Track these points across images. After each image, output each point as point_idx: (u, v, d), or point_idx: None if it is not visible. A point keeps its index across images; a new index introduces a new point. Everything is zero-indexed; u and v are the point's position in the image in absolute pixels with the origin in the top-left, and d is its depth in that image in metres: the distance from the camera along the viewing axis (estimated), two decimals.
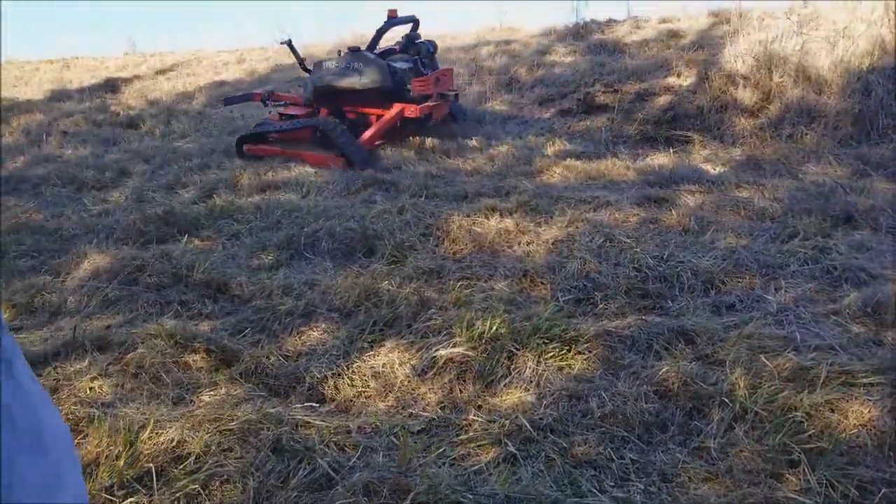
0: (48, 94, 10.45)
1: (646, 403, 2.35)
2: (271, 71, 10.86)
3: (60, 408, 2.30)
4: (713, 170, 5.20)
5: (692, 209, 4.13)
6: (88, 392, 2.53)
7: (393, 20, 6.23)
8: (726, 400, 2.29)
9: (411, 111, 5.83)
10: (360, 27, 10.49)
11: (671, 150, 5.71)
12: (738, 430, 2.18)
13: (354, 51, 5.99)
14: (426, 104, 5.93)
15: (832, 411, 2.21)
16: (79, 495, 0.75)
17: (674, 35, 8.48)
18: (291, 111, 6.39)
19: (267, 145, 6.12)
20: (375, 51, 6.24)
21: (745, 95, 6.11)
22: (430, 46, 6.33)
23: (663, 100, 6.63)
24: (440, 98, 6.08)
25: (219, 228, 4.33)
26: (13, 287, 3.47)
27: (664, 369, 2.49)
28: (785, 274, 3.27)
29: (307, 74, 6.35)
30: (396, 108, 5.88)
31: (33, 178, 5.76)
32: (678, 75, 6.97)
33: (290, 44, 6.42)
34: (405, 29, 6.50)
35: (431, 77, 6.00)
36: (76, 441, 2.16)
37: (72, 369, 2.66)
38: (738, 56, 6.41)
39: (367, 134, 5.88)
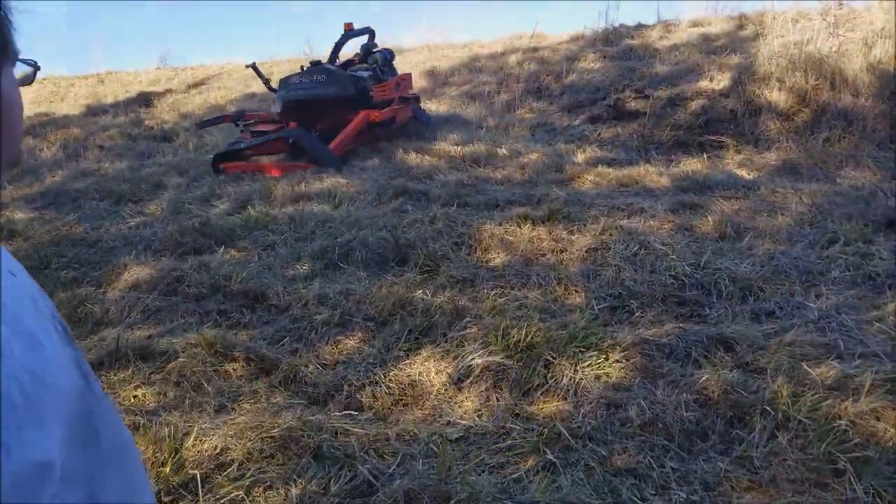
0: (84, 108, 10.70)
1: (686, 412, 2.33)
2: None
3: None
4: (748, 175, 5.14)
5: (728, 215, 4.08)
6: (133, 400, 2.59)
7: (350, 33, 6.70)
8: (768, 408, 2.25)
9: (376, 116, 6.22)
10: (386, 37, 10.58)
11: (705, 156, 5.66)
12: (781, 439, 2.14)
13: (316, 64, 6.45)
14: (389, 108, 6.35)
15: (878, 420, 2.16)
16: (152, 500, 0.78)
17: (705, 38, 8.40)
18: (262, 128, 6.70)
19: (242, 162, 6.33)
20: (336, 62, 6.66)
21: (780, 99, 6.03)
22: (387, 54, 6.77)
23: (695, 104, 6.57)
24: (401, 102, 6.53)
25: (254, 239, 4.40)
26: (57, 298, 3.56)
27: (704, 377, 2.46)
28: (826, 280, 3.21)
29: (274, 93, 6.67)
30: (362, 114, 6.24)
31: (72, 191, 5.91)
32: (710, 79, 6.90)
33: (254, 67, 6.86)
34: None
35: (391, 82, 6.48)
36: None
37: (115, 378, 2.72)
38: (771, 58, 6.34)
39: (337, 140, 6.16)
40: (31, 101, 11.54)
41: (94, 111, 10.53)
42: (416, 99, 6.91)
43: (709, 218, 4.03)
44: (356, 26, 6.82)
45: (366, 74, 6.46)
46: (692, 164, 5.47)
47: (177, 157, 7.25)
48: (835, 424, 2.13)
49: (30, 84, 0.77)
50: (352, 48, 7.20)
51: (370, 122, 6.28)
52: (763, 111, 6.06)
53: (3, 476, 0.52)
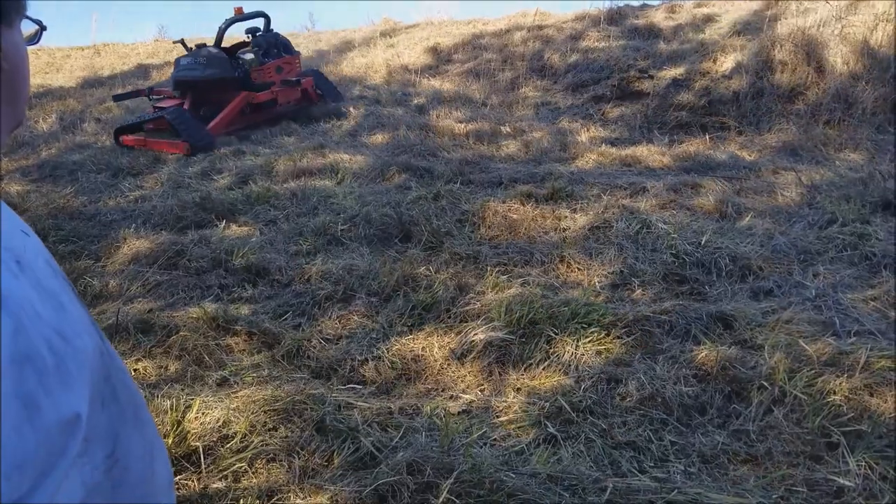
0: (80, 81, 10.61)
1: (685, 387, 2.36)
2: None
3: None
4: (749, 156, 5.14)
5: (729, 195, 4.09)
6: (133, 374, 2.61)
7: (236, 17, 6.83)
8: (765, 384, 2.29)
9: (254, 98, 6.52)
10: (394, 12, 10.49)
11: (707, 137, 5.65)
12: (777, 413, 2.18)
13: (201, 46, 6.70)
14: (269, 90, 6.58)
15: (871, 395, 2.20)
16: (166, 463, 0.80)
17: (709, 20, 8.34)
18: (165, 104, 6.84)
19: (142, 136, 6.52)
20: (226, 45, 6.83)
21: (783, 81, 6.00)
22: (273, 38, 6.94)
23: (699, 85, 6.55)
24: (283, 85, 6.68)
25: (256, 214, 4.40)
26: None
27: (703, 353, 2.49)
28: (823, 260, 3.23)
29: None
30: (241, 95, 6.51)
31: (69, 164, 5.88)
32: (714, 61, 6.86)
33: (182, 42, 7.07)
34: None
35: (272, 66, 6.64)
36: None
37: (116, 351, 2.73)
38: (775, 41, 6.30)
39: (215, 121, 6.39)
40: None
41: (90, 83, 10.43)
42: (314, 80, 7.13)
43: (710, 198, 4.04)
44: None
45: (248, 57, 6.62)
46: (694, 145, 5.46)
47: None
48: (829, 399, 2.17)
49: (35, 43, 0.77)
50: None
51: (251, 104, 6.61)
52: (766, 93, 6.04)
53: (34, 433, 0.53)
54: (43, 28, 0.79)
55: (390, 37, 10.73)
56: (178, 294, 3.37)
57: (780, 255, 3.29)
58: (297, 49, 7.42)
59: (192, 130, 6.10)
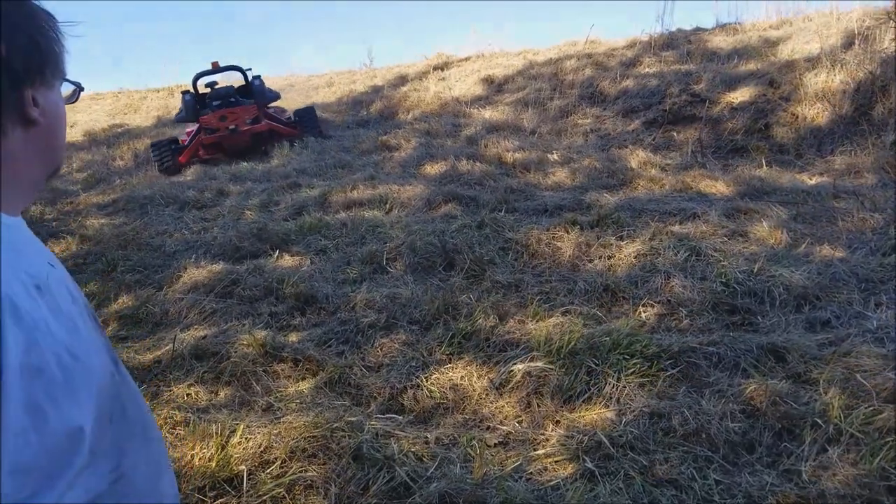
0: (155, 120, 11.18)
1: (732, 423, 2.27)
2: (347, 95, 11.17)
3: (159, 412, 2.46)
4: (809, 180, 4.97)
5: (785, 221, 3.95)
6: (185, 398, 2.69)
7: (206, 70, 8.22)
8: (819, 421, 2.18)
9: (204, 140, 7.91)
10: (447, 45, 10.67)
11: (763, 160, 5.49)
12: (832, 453, 2.07)
13: (183, 93, 8.16)
14: (214, 135, 7.85)
15: None
16: (172, 482, 0.83)
17: (766, 41, 8.16)
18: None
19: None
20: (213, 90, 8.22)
21: (845, 102, 5.80)
22: (226, 91, 8.18)
23: (755, 108, 6.39)
24: (229, 131, 7.83)
25: (308, 244, 4.51)
26: (121, 300, 3.74)
27: (752, 387, 2.40)
28: (886, 289, 3.07)
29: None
30: (198, 136, 7.93)
31: (140, 198, 6.18)
32: (770, 83, 6.70)
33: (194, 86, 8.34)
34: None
35: (216, 114, 7.83)
36: (171, 444, 2.30)
37: (171, 377, 2.83)
38: (836, 61, 6.10)
39: (183, 154, 7.90)
40: (107, 114, 12.16)
41: (164, 122, 10.99)
42: (300, 117, 8.48)
43: (765, 223, 3.92)
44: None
45: (215, 104, 8.00)
46: (749, 169, 5.31)
47: (238, 166, 7.48)
48: (889, 439, 2.04)
49: (73, 102, 0.85)
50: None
51: (202, 144, 7.99)
52: (826, 115, 5.84)
53: (40, 440, 0.58)
54: (81, 88, 0.87)
55: (443, 70, 10.91)
56: (231, 321, 3.47)
57: (839, 284, 3.15)
58: (275, 93, 8.68)
59: (165, 161, 7.79)
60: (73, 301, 0.72)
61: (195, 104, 8.02)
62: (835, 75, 6.03)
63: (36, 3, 0.73)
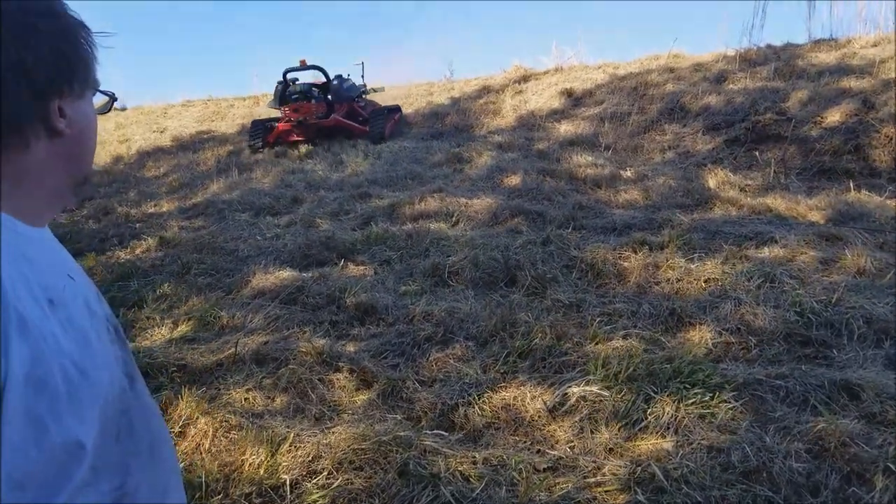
0: (239, 127, 11.61)
1: (796, 462, 2.14)
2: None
3: (216, 415, 2.53)
4: None
5: (870, 249, 3.72)
6: (243, 402, 2.76)
7: (292, 67, 9.13)
8: (892, 466, 2.02)
9: (280, 126, 9.18)
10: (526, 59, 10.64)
11: (850, 184, 5.19)
12: None
13: (279, 82, 9.15)
14: (289, 124, 9.09)
15: None
16: (182, 501, 0.83)
17: (861, 59, 7.73)
18: None
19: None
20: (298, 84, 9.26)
21: None
22: (305, 87, 9.11)
23: (845, 128, 6.05)
24: (298, 122, 9.00)
25: (372, 254, 4.57)
26: (192, 302, 3.89)
27: (820, 426, 2.25)
28: None
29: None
30: (278, 126, 9.23)
31: (219, 203, 6.43)
32: (864, 102, 6.33)
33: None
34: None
35: (292, 106, 8.98)
36: (225, 448, 2.37)
37: (231, 380, 2.92)
38: None
39: (271, 135, 9.23)
40: (196, 120, 12.72)
41: (247, 130, 11.39)
42: (372, 116, 9.39)
43: (847, 251, 3.69)
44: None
45: (288, 95, 9.08)
46: (835, 193, 5.03)
47: (315, 175, 7.66)
48: None
49: (106, 112, 0.87)
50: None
51: (280, 130, 9.20)
52: None
53: (40, 453, 0.59)
54: (114, 99, 0.89)
55: (521, 83, 10.86)
56: (293, 328, 3.55)
57: None
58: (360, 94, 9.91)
59: (256, 135, 9.23)
60: (90, 315, 0.72)
61: (283, 94, 9.03)
62: None
63: (68, 13, 0.73)
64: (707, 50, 9.81)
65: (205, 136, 10.87)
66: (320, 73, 9.35)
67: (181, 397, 2.66)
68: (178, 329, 3.52)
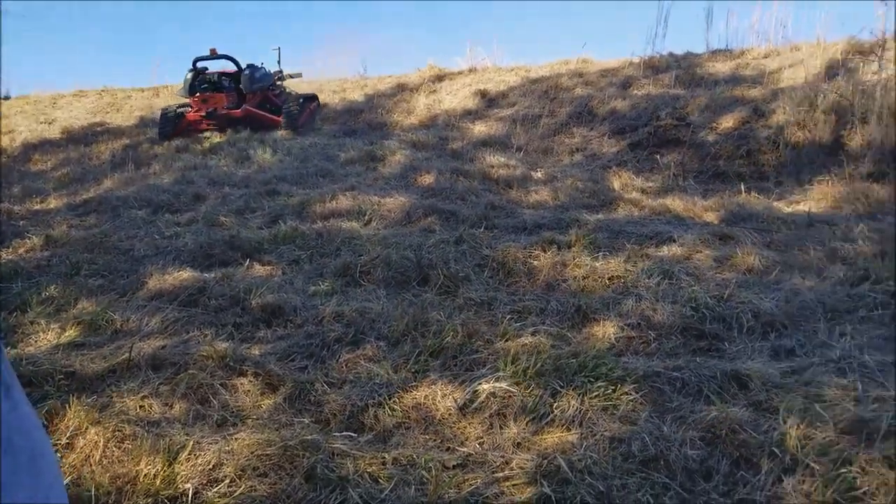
0: (137, 120, 11.08)
1: (690, 450, 2.24)
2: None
3: (107, 424, 2.38)
4: (786, 208, 4.99)
5: (759, 248, 3.95)
6: (138, 410, 2.62)
7: (202, 56, 9.02)
8: (776, 450, 2.15)
9: (189, 116, 9.07)
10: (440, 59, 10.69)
11: (742, 187, 5.52)
12: (787, 484, 2.04)
13: (189, 70, 9.08)
14: (197, 114, 8.99)
15: (890, 468, 2.04)
16: None
17: (750, 68, 8.24)
18: None
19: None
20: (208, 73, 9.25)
21: (825, 132, 5.84)
22: (217, 76, 9.16)
23: (738, 135, 6.43)
24: (207, 113, 8.91)
25: (280, 254, 4.45)
26: (81, 305, 3.67)
27: (713, 414, 2.37)
28: (852, 319, 3.07)
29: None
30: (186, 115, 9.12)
31: (113, 200, 6.09)
32: (755, 110, 6.74)
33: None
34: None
35: (201, 97, 8.97)
36: (118, 459, 2.24)
37: (125, 387, 2.76)
38: (819, 91, 6.16)
39: (179, 126, 9.11)
40: (89, 111, 12.03)
41: (146, 122, 10.87)
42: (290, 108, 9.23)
43: (738, 250, 3.91)
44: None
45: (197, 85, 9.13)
46: (728, 195, 5.33)
47: (219, 171, 7.42)
48: (843, 471, 2.02)
49: None
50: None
51: (188, 120, 9.12)
52: (807, 144, 5.88)
53: None
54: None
55: (436, 82, 10.90)
56: (193, 332, 3.40)
57: (806, 313, 3.14)
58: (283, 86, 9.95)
59: (166, 124, 9.04)
60: None
61: (192, 83, 8.99)
62: (817, 105, 6.08)
63: None
64: (615, 56, 10.17)
65: (98, 129, 10.30)
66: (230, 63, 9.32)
67: (69, 406, 2.49)
68: (66, 334, 3.30)
